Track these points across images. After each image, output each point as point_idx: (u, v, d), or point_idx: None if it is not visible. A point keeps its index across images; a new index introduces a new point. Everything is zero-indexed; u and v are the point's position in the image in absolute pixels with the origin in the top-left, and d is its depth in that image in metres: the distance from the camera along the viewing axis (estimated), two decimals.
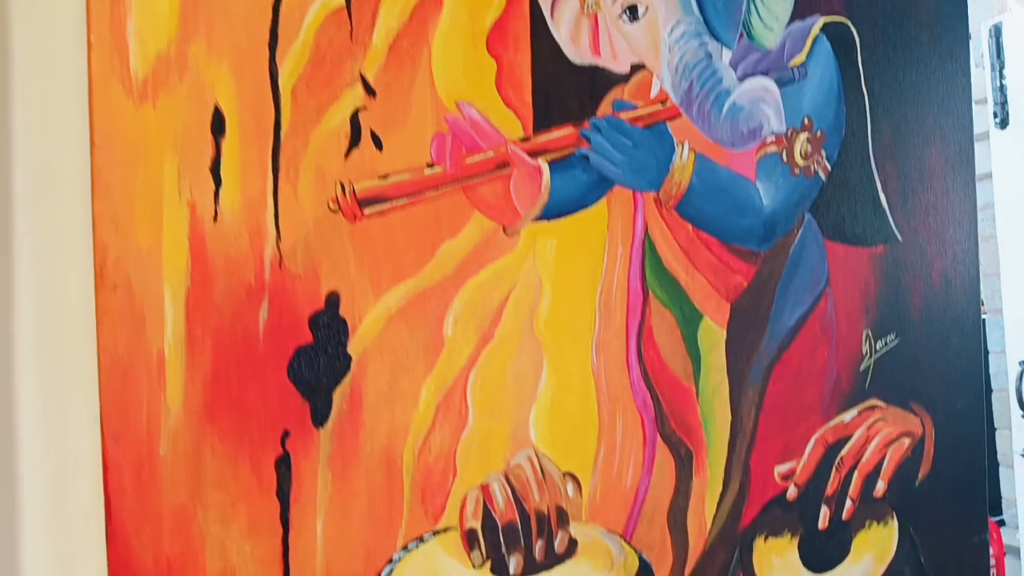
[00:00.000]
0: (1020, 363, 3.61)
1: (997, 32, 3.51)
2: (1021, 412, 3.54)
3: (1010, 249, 3.53)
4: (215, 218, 0.62)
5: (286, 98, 0.65)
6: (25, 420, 0.60)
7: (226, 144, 0.63)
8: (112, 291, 0.59)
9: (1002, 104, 3.50)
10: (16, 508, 0.60)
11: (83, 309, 0.59)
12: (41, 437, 0.60)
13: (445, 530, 0.71)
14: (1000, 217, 3.60)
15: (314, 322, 0.66)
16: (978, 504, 1.03)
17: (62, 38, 0.60)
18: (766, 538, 0.87)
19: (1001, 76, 3.49)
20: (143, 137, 0.60)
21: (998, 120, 3.59)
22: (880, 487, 0.94)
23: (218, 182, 0.63)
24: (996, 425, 4.04)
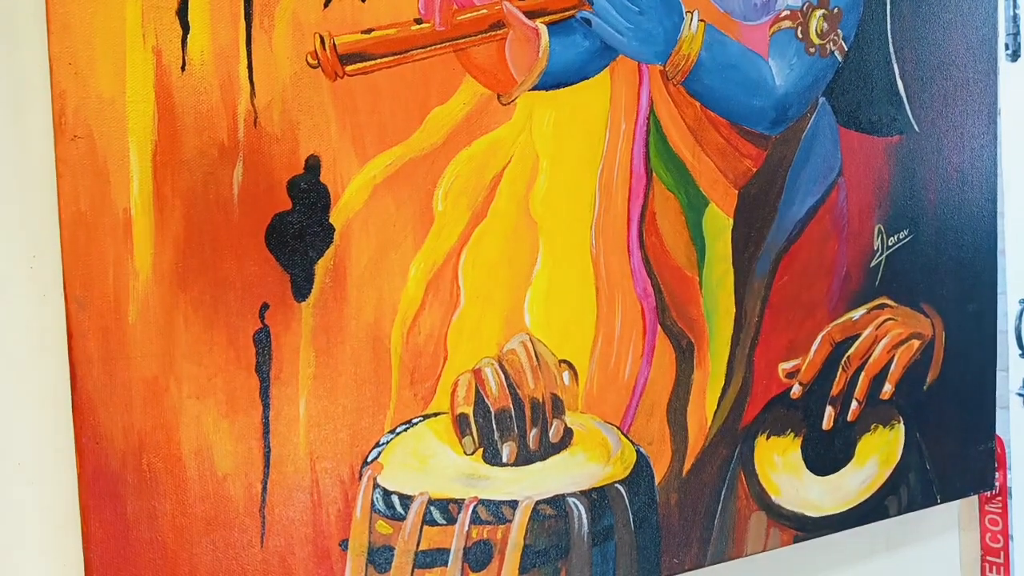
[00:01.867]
0: (1020, 302, 3.64)
1: None
2: (1020, 351, 3.60)
3: (1013, 188, 3.54)
4: (183, 67, 0.59)
5: None
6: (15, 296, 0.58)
7: None
8: (72, 142, 0.56)
9: (1015, 35, 3.46)
10: None
11: (41, 163, 0.57)
12: (1, 305, 0.59)
13: (435, 415, 0.70)
14: (1005, 155, 3.61)
15: (293, 187, 0.63)
16: (986, 411, 1.04)
17: None
18: (768, 436, 0.88)
19: (1015, 5, 3.44)
20: None
21: (1010, 52, 3.56)
22: (887, 389, 0.95)
23: (186, 28, 0.59)
24: (998, 367, 4.13)
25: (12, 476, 0.60)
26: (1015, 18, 4.06)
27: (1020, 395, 3.96)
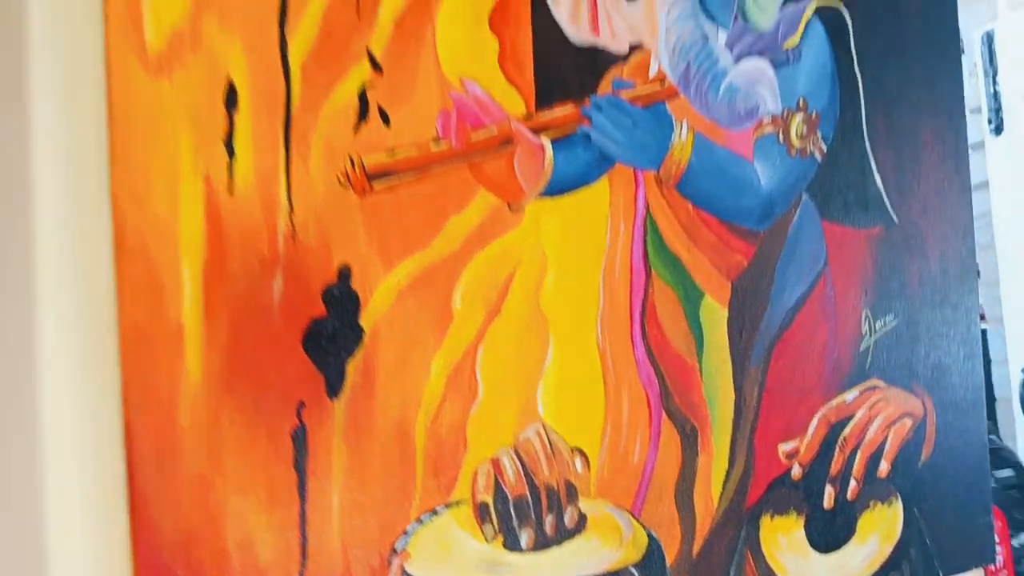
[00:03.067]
0: (1022, 370, 3.74)
1: (989, 39, 3.68)
2: (1023, 421, 3.67)
3: (1009, 257, 3.66)
4: (229, 190, 0.68)
5: (296, 73, 0.71)
6: (49, 390, 0.65)
7: (239, 118, 0.69)
8: (131, 261, 0.64)
9: (996, 111, 3.64)
10: (44, 480, 0.65)
11: (103, 279, 0.65)
12: (65, 409, 0.65)
13: (457, 503, 0.76)
14: (998, 225, 3.74)
15: (327, 295, 0.72)
16: (982, 487, 1.11)
17: (78, 12, 0.66)
18: (772, 516, 0.94)
19: (994, 83, 3.64)
20: (159, 110, 0.66)
21: (993, 127, 3.74)
22: (884, 467, 1.02)
23: (232, 155, 0.69)
24: (1001, 436, 4.16)
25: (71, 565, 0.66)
26: (995, 95, 4.27)
27: None
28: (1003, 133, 3.61)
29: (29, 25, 0.65)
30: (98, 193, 0.66)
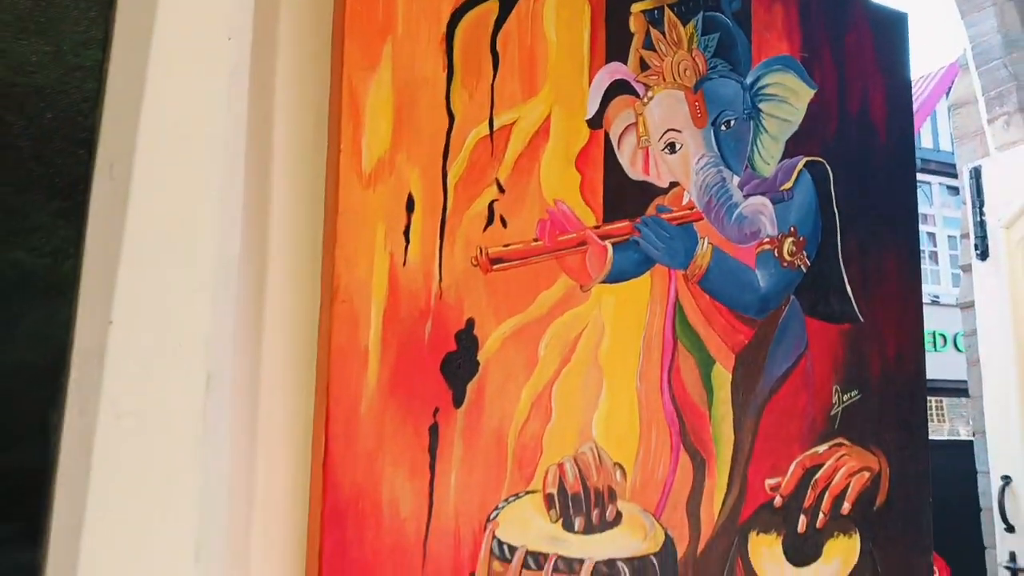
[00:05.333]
0: (1002, 478, 3.91)
1: (977, 174, 4.02)
2: (1004, 526, 3.81)
3: (992, 373, 3.87)
4: (404, 264, 0.99)
5: (451, 191, 1.03)
6: (276, 392, 0.94)
7: (414, 218, 1.00)
8: (342, 305, 0.95)
9: (982, 237, 3.94)
10: (259, 446, 0.94)
11: (325, 315, 0.95)
12: (285, 402, 0.95)
13: (533, 492, 1.04)
14: (982, 342, 3.97)
15: (458, 337, 1.01)
16: (924, 532, 1.35)
17: (320, 145, 0.99)
18: (758, 533, 1.20)
19: (981, 212, 3.95)
20: (366, 209, 0.98)
21: (979, 252, 4.03)
22: (846, 507, 1.28)
23: (407, 241, 1.00)
24: (985, 544, 4.25)
25: (271, 499, 0.94)
26: (982, 223, 4.59)
27: (1008, 568, 4.18)
28: (988, 258, 3.88)
29: (284, 157, 0.98)
30: (318, 260, 0.98)
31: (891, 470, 1.32)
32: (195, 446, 0.65)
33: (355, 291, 0.96)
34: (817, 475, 1.26)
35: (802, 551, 1.23)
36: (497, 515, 1.01)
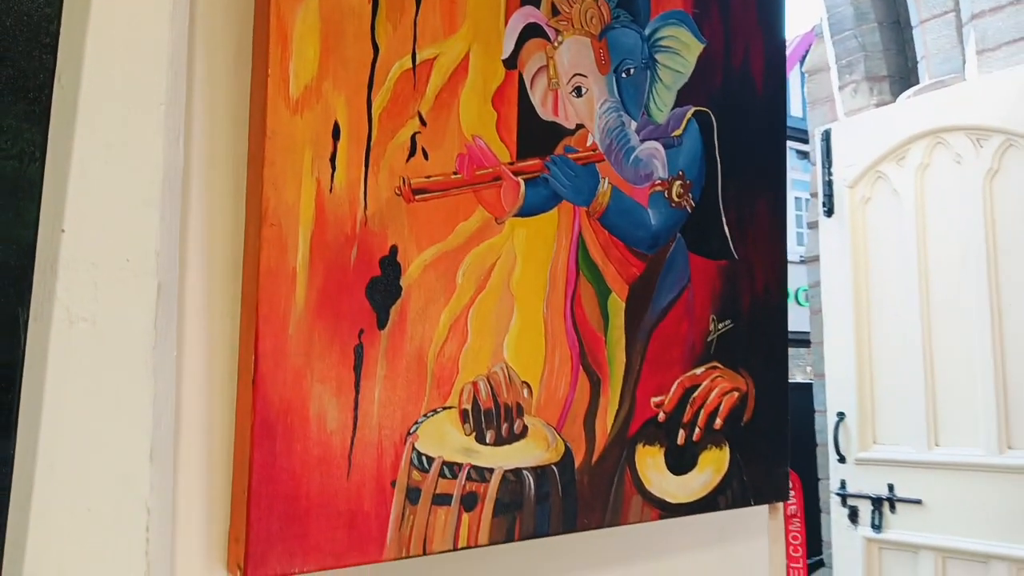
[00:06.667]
0: (837, 415, 4.31)
1: (827, 136, 4.32)
2: (836, 457, 4.21)
3: (832, 321, 4.24)
4: (331, 190, 1.01)
5: (375, 121, 1.05)
6: (204, 308, 0.94)
7: (340, 145, 1.02)
8: (271, 228, 0.96)
9: (829, 196, 4.26)
10: (185, 362, 0.94)
11: (251, 238, 0.96)
12: (214, 320, 0.95)
13: (449, 408, 1.10)
14: (825, 293, 4.33)
15: (382, 262, 1.04)
16: (783, 446, 1.52)
17: (245, 72, 0.98)
18: (644, 445, 1.31)
19: (829, 173, 4.27)
20: (293, 135, 0.98)
21: (826, 209, 4.36)
22: (718, 422, 1.41)
23: (333, 168, 1.01)
24: (819, 476, 4.69)
25: (196, 413, 0.95)
26: (829, 183, 4.94)
27: (839, 494, 4.63)
28: (833, 215, 4.22)
29: (216, 84, 0.97)
30: (249, 180, 0.97)
31: (756, 391, 1.47)
32: (148, 352, 0.66)
33: (283, 215, 0.97)
34: (695, 394, 1.38)
35: (681, 461, 1.36)
36: (417, 429, 1.07)
